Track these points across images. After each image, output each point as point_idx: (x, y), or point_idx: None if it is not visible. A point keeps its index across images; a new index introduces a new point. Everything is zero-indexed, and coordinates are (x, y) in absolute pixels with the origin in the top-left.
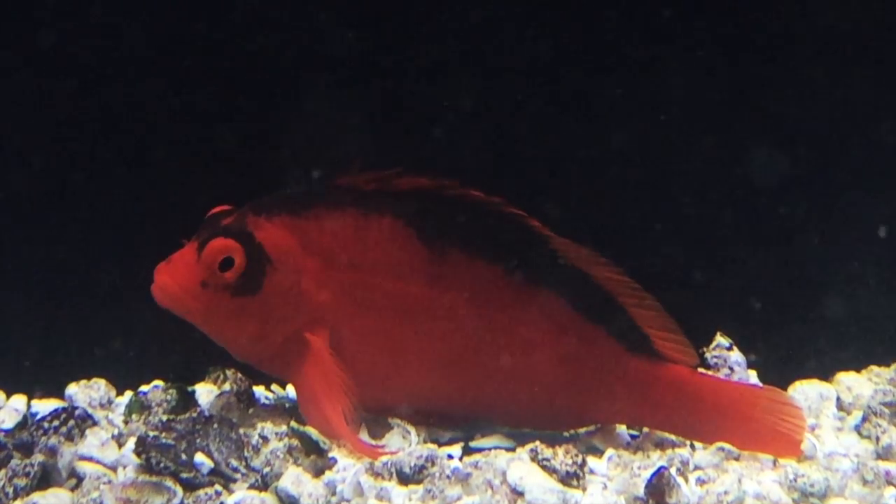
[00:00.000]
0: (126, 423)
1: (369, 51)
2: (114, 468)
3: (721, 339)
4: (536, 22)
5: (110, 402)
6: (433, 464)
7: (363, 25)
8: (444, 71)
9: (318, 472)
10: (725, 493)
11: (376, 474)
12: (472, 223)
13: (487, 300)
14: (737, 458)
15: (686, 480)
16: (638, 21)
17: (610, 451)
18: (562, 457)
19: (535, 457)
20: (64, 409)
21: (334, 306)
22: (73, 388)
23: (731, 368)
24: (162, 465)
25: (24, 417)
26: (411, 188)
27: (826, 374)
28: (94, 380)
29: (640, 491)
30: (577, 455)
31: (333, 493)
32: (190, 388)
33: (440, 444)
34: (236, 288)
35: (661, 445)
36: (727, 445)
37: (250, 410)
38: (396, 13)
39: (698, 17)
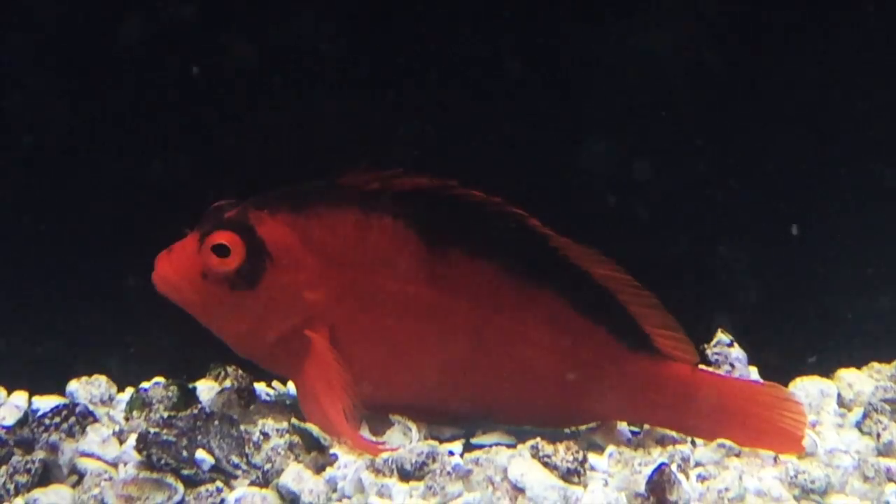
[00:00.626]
0: (127, 419)
1: (369, 49)
2: (115, 465)
3: (722, 336)
4: (534, 21)
5: (111, 398)
6: (434, 460)
7: (362, 24)
8: (443, 70)
9: (319, 469)
10: (726, 489)
11: (377, 471)
12: (472, 223)
13: (487, 299)
14: (738, 455)
15: (687, 477)
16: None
17: (611, 448)
18: (563, 453)
19: (536, 453)
20: (65, 405)
21: (333, 304)
22: (74, 385)
23: (732, 365)
24: (163, 461)
25: (25, 414)
26: (412, 188)
27: (827, 371)
28: (96, 376)
29: (641, 487)
30: (577, 452)
31: (334, 490)
32: (191, 385)
33: (441, 441)
34: (235, 281)
35: (661, 442)
36: (728, 442)
37: (251, 407)
38: (395, 12)
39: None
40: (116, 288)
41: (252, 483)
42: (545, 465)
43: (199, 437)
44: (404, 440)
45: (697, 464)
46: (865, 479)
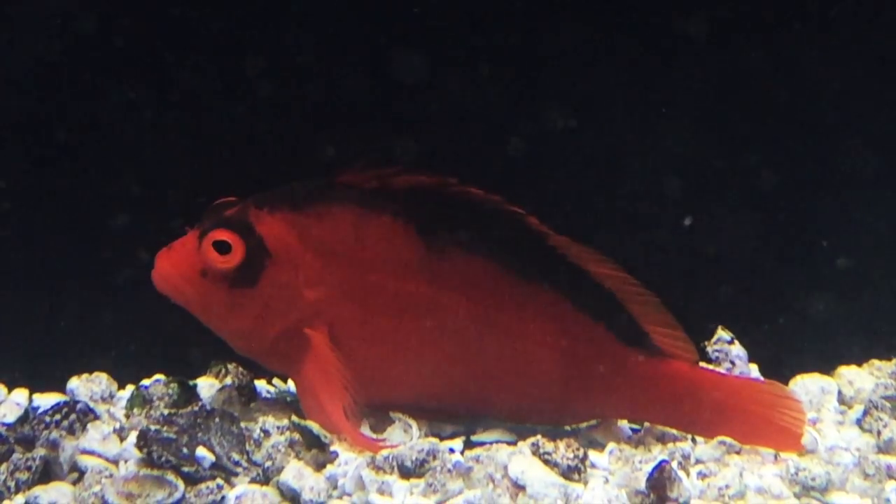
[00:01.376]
0: (128, 416)
1: (370, 48)
2: (115, 462)
3: (722, 333)
4: (533, 22)
5: (112, 395)
6: (434, 457)
7: (362, 22)
8: (443, 70)
9: (319, 466)
10: (727, 486)
11: (378, 468)
12: (471, 221)
13: (486, 297)
14: (738, 452)
15: (687, 474)
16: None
17: (611, 445)
18: (563, 451)
19: (536, 451)
20: (65, 402)
21: (333, 302)
22: (74, 382)
23: (732, 362)
24: (163, 459)
25: (26, 411)
26: (411, 186)
27: (827, 368)
28: (96, 373)
29: (642, 485)
30: (578, 449)
31: (335, 487)
32: (191, 382)
33: (441, 438)
34: (234, 279)
35: (662, 439)
36: (728, 439)
37: (252, 404)
38: (396, 11)
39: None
40: (117, 285)
41: (252, 480)
42: (546, 462)
43: (200, 435)
44: (405, 437)
45: (698, 461)
46: (866, 476)
